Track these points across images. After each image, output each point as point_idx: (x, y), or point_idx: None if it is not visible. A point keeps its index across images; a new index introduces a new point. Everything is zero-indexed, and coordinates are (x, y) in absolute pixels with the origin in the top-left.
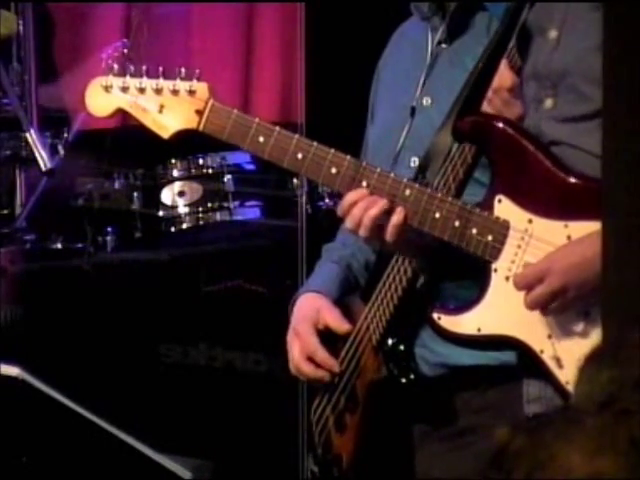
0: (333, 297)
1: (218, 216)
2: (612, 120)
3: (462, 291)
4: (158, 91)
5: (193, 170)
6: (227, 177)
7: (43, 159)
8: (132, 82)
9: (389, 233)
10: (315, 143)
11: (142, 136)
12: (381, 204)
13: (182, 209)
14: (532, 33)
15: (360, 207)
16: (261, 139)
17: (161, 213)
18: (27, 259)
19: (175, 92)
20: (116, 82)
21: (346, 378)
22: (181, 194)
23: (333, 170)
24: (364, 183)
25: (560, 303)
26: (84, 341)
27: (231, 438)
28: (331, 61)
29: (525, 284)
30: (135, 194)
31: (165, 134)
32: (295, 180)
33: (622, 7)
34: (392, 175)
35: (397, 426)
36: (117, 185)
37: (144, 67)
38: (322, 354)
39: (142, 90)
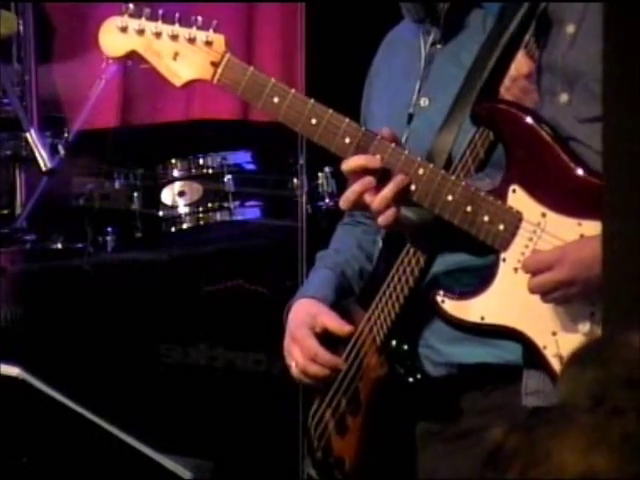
0: (328, 303)
1: (218, 216)
2: (612, 121)
3: (467, 281)
4: (174, 37)
5: (193, 170)
6: (227, 177)
7: (43, 159)
8: (148, 25)
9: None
10: (330, 110)
11: (142, 136)
12: (400, 179)
13: (182, 209)
14: (550, 23)
15: (359, 192)
16: (276, 100)
17: (161, 213)
18: (27, 259)
19: (191, 40)
20: (132, 24)
21: (348, 381)
22: (181, 194)
23: (347, 140)
24: (377, 157)
25: (561, 295)
26: (84, 341)
27: (231, 438)
28: (331, 61)
29: (534, 268)
30: (135, 194)
31: (178, 82)
32: (295, 180)
33: (622, 7)
34: (406, 152)
35: (401, 428)
36: (117, 185)
37: (160, 11)
38: (324, 355)
39: (158, 35)
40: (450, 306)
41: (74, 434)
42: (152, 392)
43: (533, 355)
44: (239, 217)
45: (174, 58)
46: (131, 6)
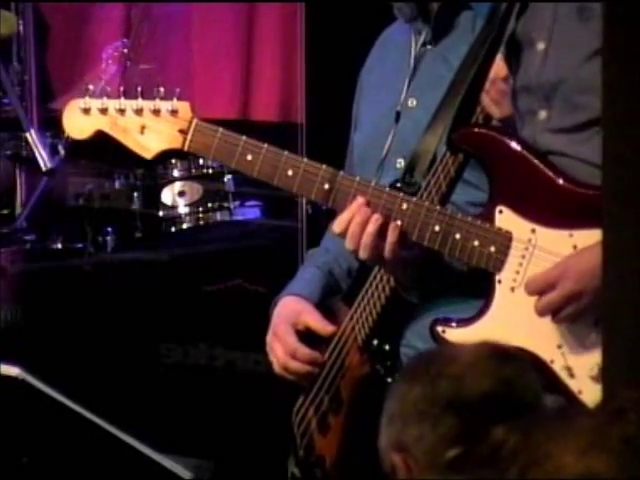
0: (314, 301)
1: (218, 216)
2: (612, 127)
3: (456, 301)
4: (138, 111)
5: (193, 170)
6: (227, 177)
7: (43, 159)
8: (111, 103)
9: (387, 251)
10: (305, 159)
11: None
12: (375, 219)
13: (182, 209)
14: (521, 45)
15: (356, 223)
16: (249, 157)
17: (161, 213)
18: (27, 259)
19: (156, 112)
20: (94, 104)
21: (330, 379)
22: (181, 194)
23: (326, 186)
24: (359, 199)
25: (573, 310)
26: (84, 341)
27: (231, 438)
28: (331, 61)
29: (537, 289)
30: (135, 194)
31: (148, 155)
32: None
33: (621, 10)
34: (387, 189)
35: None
36: (117, 185)
37: (121, 88)
38: (303, 350)
39: (122, 111)
40: (451, 335)
41: (74, 434)
42: (152, 392)
43: (541, 371)
44: (239, 217)
45: (141, 132)
46: (91, 87)
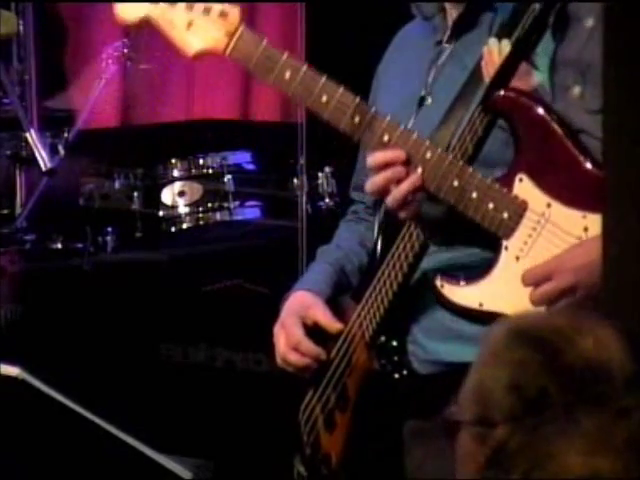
0: (325, 297)
1: (218, 216)
2: (614, 118)
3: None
4: (189, 7)
5: (193, 170)
6: (227, 177)
7: (43, 159)
8: None
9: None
10: (341, 89)
11: (142, 136)
12: (414, 180)
13: (182, 209)
14: (568, 19)
15: (389, 178)
16: (287, 75)
17: (161, 213)
18: (27, 259)
19: (207, 10)
20: None
21: (337, 376)
22: (181, 194)
23: (356, 119)
24: (385, 137)
25: (566, 302)
26: (84, 341)
27: (231, 438)
28: (331, 61)
29: (533, 280)
30: (135, 194)
31: (189, 52)
32: (295, 180)
33: (622, 8)
34: (415, 135)
35: (388, 425)
36: (117, 185)
37: None
38: (307, 344)
39: (172, 3)
40: (448, 291)
41: (74, 434)
42: (152, 392)
43: None
44: (239, 217)
45: (187, 28)
46: None
